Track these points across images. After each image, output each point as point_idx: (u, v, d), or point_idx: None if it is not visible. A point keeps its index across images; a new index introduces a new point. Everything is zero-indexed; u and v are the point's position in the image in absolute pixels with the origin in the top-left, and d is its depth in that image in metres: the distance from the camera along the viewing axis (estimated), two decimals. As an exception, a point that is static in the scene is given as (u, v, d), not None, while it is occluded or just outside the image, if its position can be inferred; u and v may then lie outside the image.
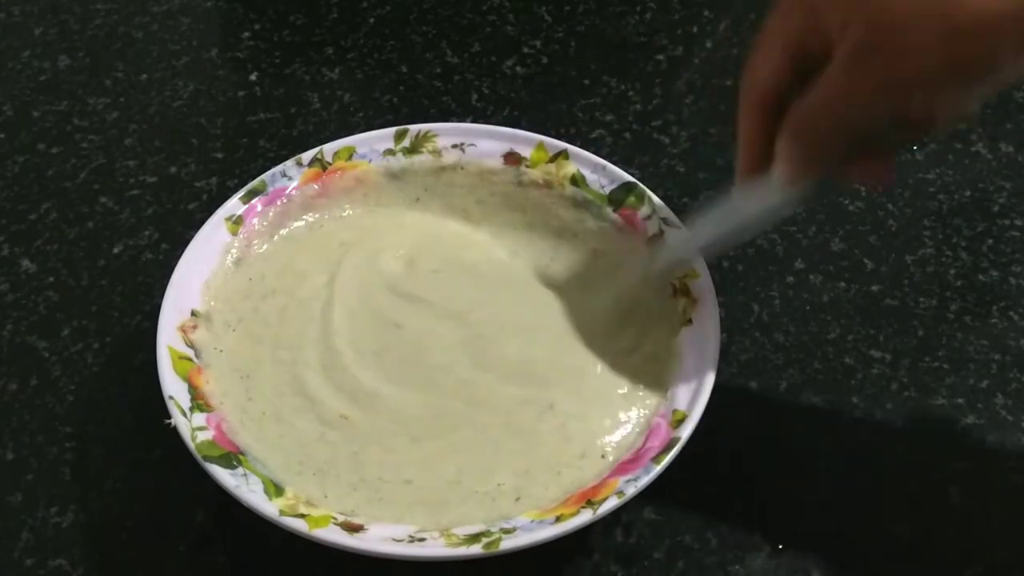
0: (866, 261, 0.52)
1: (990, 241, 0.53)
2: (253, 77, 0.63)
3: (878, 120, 0.36)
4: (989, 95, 0.42)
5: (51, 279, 0.52)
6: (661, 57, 0.64)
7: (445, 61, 0.64)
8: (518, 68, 0.63)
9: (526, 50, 0.64)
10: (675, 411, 0.41)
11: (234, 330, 0.46)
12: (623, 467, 0.40)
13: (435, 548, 0.38)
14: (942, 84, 0.34)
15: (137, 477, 0.45)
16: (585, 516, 0.38)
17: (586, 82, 0.62)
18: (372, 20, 0.66)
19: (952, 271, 0.52)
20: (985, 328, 0.50)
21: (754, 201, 0.41)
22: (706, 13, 0.66)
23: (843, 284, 0.51)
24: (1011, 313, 0.50)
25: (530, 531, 0.38)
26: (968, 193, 0.56)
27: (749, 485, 0.44)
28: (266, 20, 0.67)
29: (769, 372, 0.48)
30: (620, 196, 0.49)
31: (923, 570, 0.42)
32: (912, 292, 0.51)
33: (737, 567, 0.42)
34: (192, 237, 0.47)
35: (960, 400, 0.47)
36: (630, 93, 0.61)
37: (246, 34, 0.66)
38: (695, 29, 0.65)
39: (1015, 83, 0.35)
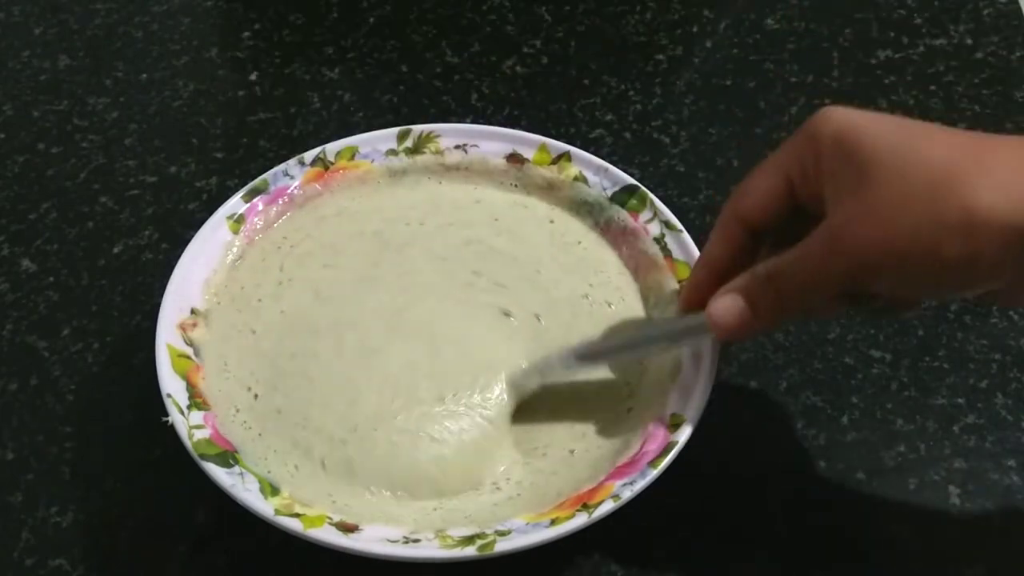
0: (866, 261, 0.52)
1: (990, 241, 0.53)
2: (253, 77, 0.63)
3: (842, 298, 0.37)
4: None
5: (51, 279, 0.52)
6: (661, 57, 0.64)
7: (445, 61, 0.64)
8: (518, 68, 0.63)
9: (526, 50, 0.64)
10: (673, 415, 0.41)
11: (235, 328, 0.46)
12: (620, 471, 0.40)
13: (429, 550, 0.38)
14: (927, 284, 0.35)
15: (137, 477, 0.45)
16: (580, 520, 0.38)
17: (586, 82, 0.62)
18: (372, 20, 0.66)
19: (952, 271, 0.52)
20: (985, 328, 0.50)
21: (668, 335, 0.42)
22: (706, 13, 0.66)
23: (843, 284, 0.51)
24: (1011, 313, 0.50)
25: (525, 534, 0.38)
26: (968, 193, 0.56)
27: (749, 485, 0.44)
28: (266, 20, 0.67)
29: (769, 372, 0.48)
30: (622, 199, 0.49)
31: (923, 570, 0.42)
32: (912, 292, 0.51)
33: (737, 567, 0.42)
34: (192, 237, 0.47)
35: (960, 400, 0.47)
36: (630, 93, 0.61)
37: (246, 34, 0.66)
38: (695, 29, 0.65)
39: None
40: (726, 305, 0.38)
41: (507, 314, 0.46)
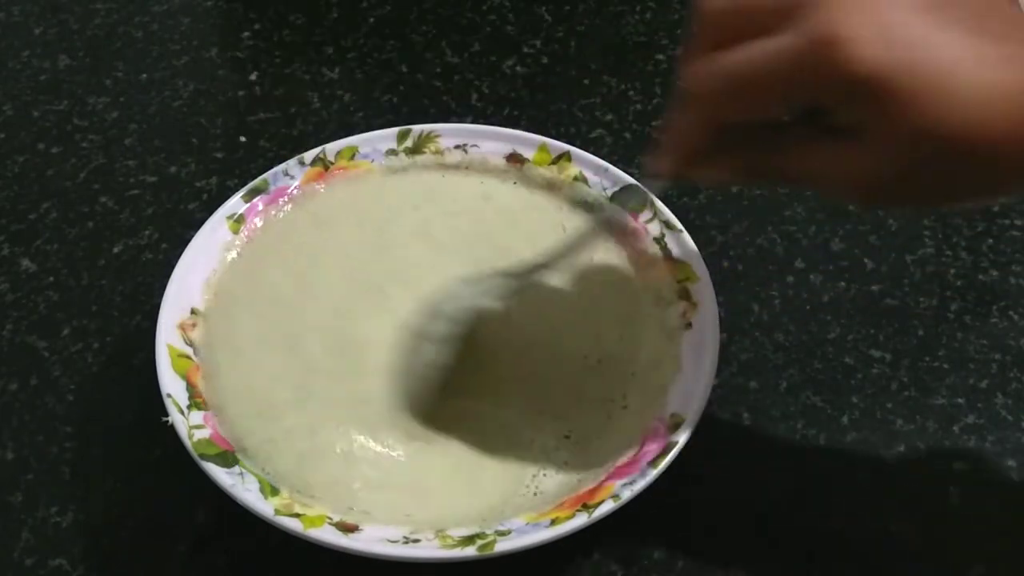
0: (866, 261, 0.52)
1: (990, 241, 0.53)
2: (253, 77, 0.63)
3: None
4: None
5: (51, 279, 0.52)
6: (661, 57, 0.64)
7: (445, 61, 0.64)
8: (518, 68, 0.63)
9: (526, 50, 0.64)
10: (673, 415, 0.41)
11: (233, 325, 0.46)
12: (620, 471, 0.40)
13: (429, 550, 0.38)
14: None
15: (137, 477, 0.45)
16: (580, 520, 0.38)
17: (586, 82, 0.62)
18: (372, 20, 0.66)
19: (952, 271, 0.52)
20: (985, 328, 0.50)
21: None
22: (706, 13, 0.66)
23: (843, 284, 0.51)
24: (1011, 313, 0.50)
25: (525, 534, 0.38)
26: (968, 193, 0.56)
27: (748, 485, 0.44)
28: (266, 20, 0.67)
29: (769, 372, 0.48)
30: (622, 199, 0.49)
31: (923, 570, 0.42)
32: (912, 292, 0.51)
33: (737, 567, 0.42)
34: (192, 237, 0.47)
35: (960, 400, 0.47)
36: (630, 93, 0.61)
37: (246, 34, 0.66)
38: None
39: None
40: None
41: None
